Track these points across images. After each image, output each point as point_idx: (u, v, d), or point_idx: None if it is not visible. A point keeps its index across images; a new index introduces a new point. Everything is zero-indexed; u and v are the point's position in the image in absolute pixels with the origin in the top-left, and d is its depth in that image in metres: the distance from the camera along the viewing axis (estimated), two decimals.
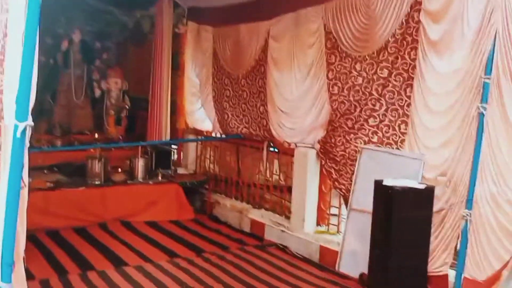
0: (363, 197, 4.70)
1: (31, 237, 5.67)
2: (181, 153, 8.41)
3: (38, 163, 7.48)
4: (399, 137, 4.67)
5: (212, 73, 7.40)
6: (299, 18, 5.72)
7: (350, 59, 5.08)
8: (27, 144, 2.76)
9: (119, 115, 8.36)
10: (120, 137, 7.91)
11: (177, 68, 8.20)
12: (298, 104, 5.75)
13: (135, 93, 9.68)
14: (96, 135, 8.02)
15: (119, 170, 6.98)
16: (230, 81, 7.04)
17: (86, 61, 8.55)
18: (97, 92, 8.44)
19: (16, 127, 2.61)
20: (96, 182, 6.58)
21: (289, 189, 6.08)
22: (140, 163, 7.02)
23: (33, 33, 2.61)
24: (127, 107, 8.38)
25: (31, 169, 7.18)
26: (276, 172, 6.50)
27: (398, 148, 4.68)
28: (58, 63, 8.39)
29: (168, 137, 8.00)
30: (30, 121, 2.65)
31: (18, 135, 2.61)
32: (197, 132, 8.10)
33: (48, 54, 8.58)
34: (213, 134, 7.73)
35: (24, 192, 2.80)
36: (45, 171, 7.37)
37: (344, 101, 5.16)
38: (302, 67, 5.66)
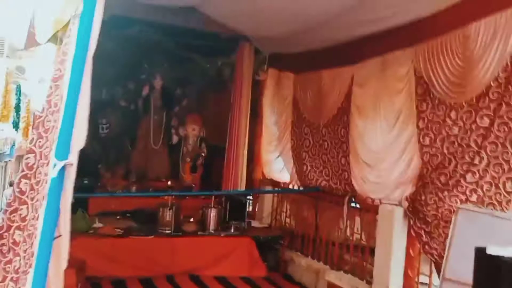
0: (460, 266, 4.10)
1: (96, 286, 5.65)
2: (257, 205, 8.17)
3: (112, 208, 7.62)
4: (504, 196, 4.09)
5: (291, 122, 7.22)
6: (386, 62, 5.40)
7: (444, 107, 4.62)
8: (69, 186, 2.60)
9: (195, 162, 8.34)
10: (193, 186, 7.84)
11: (255, 115, 8.12)
12: (383, 156, 5.34)
13: (212, 141, 9.70)
14: (170, 183, 8.02)
15: (191, 220, 6.86)
16: (310, 130, 6.79)
17: (166, 107, 8.74)
18: (175, 139, 8.54)
19: (53, 166, 2.44)
20: (166, 231, 6.48)
21: (372, 251, 5.57)
22: (212, 214, 6.86)
23: (81, 65, 2.56)
24: (203, 155, 8.35)
25: (104, 215, 7.40)
26: (358, 230, 6.03)
27: (503, 210, 4.09)
28: (139, 109, 8.62)
29: (243, 188, 7.82)
30: (71, 160, 2.52)
31: (55, 174, 2.43)
32: (274, 183, 7.85)
33: (129, 99, 8.91)
34: (291, 186, 7.44)
35: (61, 242, 2.55)
36: (118, 217, 7.44)
37: (437, 153, 4.68)
38: (389, 115, 5.28)
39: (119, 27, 8.70)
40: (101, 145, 8.71)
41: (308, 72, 6.83)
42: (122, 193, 7.54)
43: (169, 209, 6.42)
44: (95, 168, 8.77)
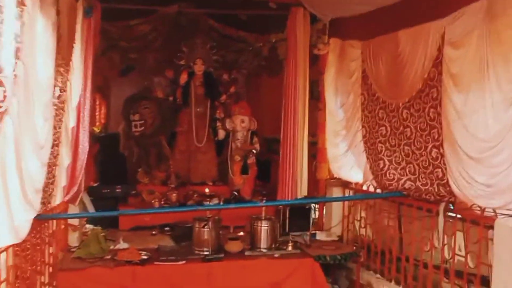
0: None
1: None
2: (323, 211, 6.68)
3: (146, 222, 6.47)
4: None
5: (361, 104, 5.68)
6: (493, 7, 3.73)
7: None
8: None
9: (246, 161, 6.98)
10: (235, 193, 6.42)
11: (316, 98, 6.64)
12: (497, 146, 3.70)
13: (268, 134, 8.33)
14: (207, 190, 6.73)
15: (236, 235, 5.52)
16: (386, 113, 5.23)
17: (210, 96, 7.45)
18: (221, 134, 7.24)
19: None
20: (204, 252, 5.18)
21: (484, 281, 3.97)
22: (264, 227, 5.50)
23: None
24: (255, 151, 6.96)
25: (138, 229, 6.26)
26: (460, 250, 4.39)
27: None
28: (177, 100, 7.42)
29: (304, 191, 6.37)
30: None
31: None
32: (344, 183, 6.34)
33: (167, 89, 7.75)
34: (365, 187, 5.89)
35: None
36: (154, 232, 6.28)
37: None
38: (504, 83, 3.62)
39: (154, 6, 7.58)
40: (136, 145, 7.61)
41: (380, 36, 5.25)
42: (140, 210, 6.35)
43: (204, 226, 5.10)
44: (133, 172, 7.72)
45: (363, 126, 5.66)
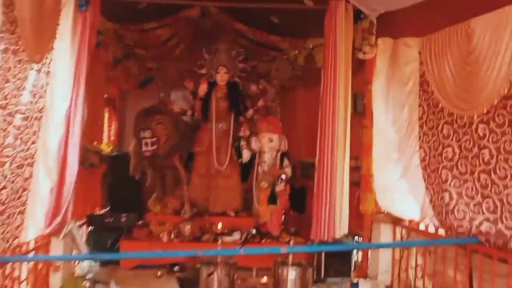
0: None
1: None
2: (369, 255, 5.45)
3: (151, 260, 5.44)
4: None
5: (419, 118, 4.49)
6: None
7: None
8: None
9: (274, 189, 5.83)
10: (253, 232, 5.13)
11: (360, 113, 5.50)
12: None
13: (305, 156, 7.20)
14: (220, 226, 5.59)
15: (255, 284, 4.38)
16: (453, 130, 4.04)
17: (234, 110, 6.39)
18: (246, 155, 6.12)
19: None
20: None
21: None
22: (291, 275, 4.34)
23: None
24: (285, 178, 5.80)
25: (142, 268, 5.21)
26: None
27: None
28: (195, 115, 6.40)
29: (345, 227, 5.16)
30: None
31: None
32: (395, 220, 5.11)
33: (185, 103, 6.78)
34: (422, 226, 4.65)
35: None
36: (159, 273, 5.23)
37: None
38: None
39: (175, 10, 6.68)
40: (150, 167, 6.62)
41: (445, 28, 4.08)
42: (127, 253, 5.29)
43: (211, 274, 3.98)
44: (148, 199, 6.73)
45: (421, 147, 4.47)
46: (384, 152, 5.05)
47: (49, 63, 4.19)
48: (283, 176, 5.76)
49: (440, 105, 4.16)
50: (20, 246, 3.95)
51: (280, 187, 5.82)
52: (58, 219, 4.54)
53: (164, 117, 6.32)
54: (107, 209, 7.12)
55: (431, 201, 4.34)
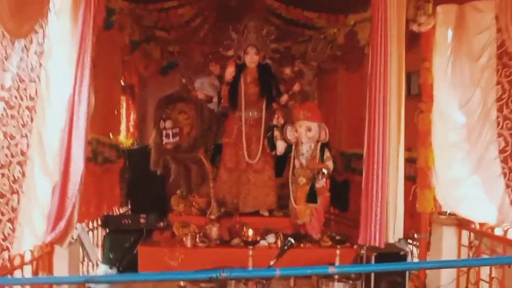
0: None
1: None
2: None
3: (173, 267, 4.74)
4: None
5: (498, 99, 3.63)
6: None
7: None
8: None
9: (314, 185, 5.03)
10: (291, 241, 4.25)
11: (415, 95, 4.66)
12: None
13: (347, 147, 6.39)
14: (250, 235, 4.76)
15: None
16: None
17: (266, 96, 5.60)
18: (280, 146, 5.31)
19: None
20: None
21: None
22: None
23: None
24: (326, 172, 4.98)
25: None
26: None
27: None
28: (222, 102, 5.64)
29: (400, 231, 4.35)
30: None
31: None
32: (461, 222, 4.27)
33: (211, 89, 6.04)
34: (500, 231, 3.80)
35: None
36: (181, 283, 4.51)
37: None
38: None
39: None
40: (173, 161, 5.92)
41: None
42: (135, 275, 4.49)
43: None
44: (166, 197, 6.08)
45: (500, 135, 3.61)
46: (449, 142, 4.19)
47: (42, 41, 3.50)
48: (325, 171, 4.92)
49: None
50: (12, 260, 3.28)
51: (321, 183, 4.99)
52: (62, 224, 3.88)
53: (187, 105, 5.56)
54: (127, 208, 6.53)
55: None
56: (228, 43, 5.71)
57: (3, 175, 3.06)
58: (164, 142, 5.48)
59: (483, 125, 3.81)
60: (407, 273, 4.58)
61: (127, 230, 5.29)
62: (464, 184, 4.05)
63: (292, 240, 3.36)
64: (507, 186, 3.55)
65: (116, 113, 5.94)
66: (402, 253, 4.62)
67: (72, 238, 4.19)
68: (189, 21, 6.54)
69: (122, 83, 6.45)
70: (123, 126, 6.46)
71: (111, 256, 5.26)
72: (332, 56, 6.27)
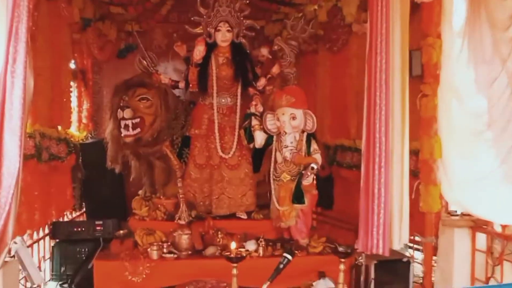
0: None
1: None
2: (434, 265, 4.01)
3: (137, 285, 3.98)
4: None
5: None
6: None
7: None
8: None
9: (300, 182, 4.32)
10: (288, 257, 3.46)
11: (417, 76, 4.01)
12: None
13: (331, 139, 5.73)
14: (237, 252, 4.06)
15: None
16: None
17: (241, 79, 4.86)
18: (259, 138, 4.58)
19: None
20: None
21: None
22: None
23: None
24: (315, 167, 4.28)
25: None
26: None
27: None
28: (189, 87, 4.86)
29: (405, 236, 3.72)
30: None
31: None
32: (477, 224, 3.68)
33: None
34: None
35: None
36: None
37: None
38: None
39: None
40: (134, 156, 5.11)
41: None
42: None
43: None
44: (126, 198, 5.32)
45: None
46: (464, 130, 3.56)
47: None
48: (314, 165, 4.21)
49: None
50: None
51: (309, 180, 4.29)
52: None
53: (149, 91, 4.74)
54: (81, 212, 5.69)
55: None
56: (196, 19, 4.92)
57: None
58: (122, 135, 4.67)
59: (505, 107, 3.18)
60: (411, 280, 3.99)
61: (80, 240, 4.47)
62: (484, 180, 3.42)
63: (289, 257, 2.67)
64: None
65: (65, 101, 5.06)
66: (405, 259, 4.02)
67: (9, 255, 3.39)
68: None
69: (73, 67, 5.57)
70: (74, 117, 5.58)
71: (61, 271, 4.45)
72: (313, 35, 5.55)
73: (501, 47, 3.18)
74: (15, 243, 3.48)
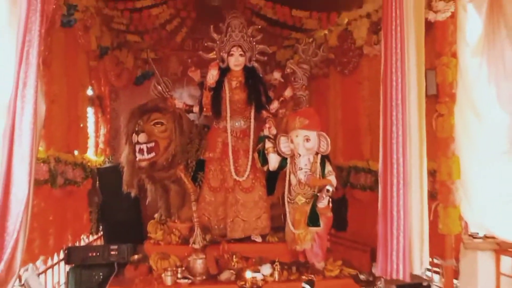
0: None
1: None
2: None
3: None
4: None
5: None
6: None
7: None
8: None
9: (315, 205, 4.00)
10: (312, 278, 3.11)
11: (433, 96, 3.70)
12: None
13: (344, 160, 5.41)
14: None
15: None
16: None
17: (254, 103, 4.58)
18: (273, 160, 4.27)
19: None
20: None
21: None
22: None
23: None
24: (330, 190, 3.95)
25: None
26: None
27: None
28: (203, 111, 4.59)
29: (426, 259, 3.35)
30: None
31: None
32: (501, 246, 3.30)
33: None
34: None
35: None
36: None
37: None
38: None
39: None
40: (149, 180, 4.81)
41: None
42: None
43: None
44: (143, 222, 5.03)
45: None
46: (486, 148, 3.22)
47: None
48: (329, 188, 3.89)
49: None
50: None
51: (324, 202, 3.96)
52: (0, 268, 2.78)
53: (163, 115, 4.48)
54: (98, 235, 5.39)
55: None
56: (210, 45, 4.67)
57: None
58: (137, 159, 4.39)
59: None
60: None
61: (95, 265, 4.15)
62: (504, 199, 3.06)
63: (313, 277, 2.33)
64: None
65: (82, 126, 4.81)
66: (425, 283, 3.64)
67: (19, 283, 3.10)
68: (165, 24, 5.52)
69: (90, 93, 5.34)
70: (91, 142, 5.32)
71: None
72: (324, 59, 5.28)
73: None
74: (26, 270, 3.20)
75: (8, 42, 2.89)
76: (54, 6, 3.25)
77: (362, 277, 2.96)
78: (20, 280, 3.10)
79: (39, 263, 3.81)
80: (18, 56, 2.90)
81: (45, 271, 4.00)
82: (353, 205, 5.22)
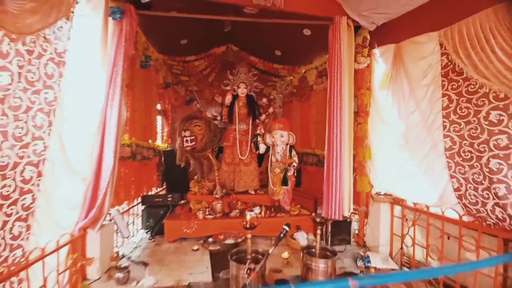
0: None
1: None
2: (365, 227, 3.18)
3: (188, 234, 3.13)
4: None
5: (444, 107, 2.20)
6: None
7: None
8: None
9: (286, 173, 3.55)
10: (285, 229, 2.75)
11: (355, 112, 3.19)
12: None
13: (298, 148, 4.88)
14: (251, 209, 3.27)
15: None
16: (508, 116, 1.72)
17: (252, 115, 4.08)
18: (262, 148, 3.80)
19: None
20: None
21: None
22: (321, 267, 2.04)
23: None
24: (295, 165, 3.51)
25: (181, 240, 2.72)
26: None
27: None
28: (223, 119, 4.08)
29: (351, 207, 2.90)
30: None
31: None
32: (395, 200, 2.85)
33: (217, 111, 4.47)
34: (435, 210, 2.38)
35: None
36: (195, 247, 2.93)
37: None
38: None
39: (207, 47, 4.42)
40: (192, 157, 4.30)
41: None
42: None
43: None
44: (187, 181, 4.45)
45: (447, 136, 2.19)
46: (388, 142, 2.76)
47: (63, 52, 1.90)
48: (295, 164, 3.45)
49: (482, 91, 1.89)
50: (27, 257, 1.65)
51: (291, 172, 3.51)
52: (93, 212, 2.28)
53: (200, 121, 3.98)
54: (162, 189, 4.86)
55: (457, 190, 2.09)
56: (227, 82, 4.16)
57: (3, 176, 1.43)
58: (185, 146, 3.87)
59: (428, 129, 2.39)
60: (351, 232, 3.16)
61: (158, 205, 3.65)
62: (401, 173, 2.62)
63: (287, 228, 1.92)
64: (451, 176, 2.16)
65: (154, 127, 4.29)
66: (348, 220, 3.19)
67: (109, 218, 2.60)
68: (202, 70, 4.96)
69: (159, 108, 4.79)
70: (159, 135, 4.78)
71: (147, 224, 3.62)
72: (290, 92, 4.80)
73: (416, 92, 2.41)
74: (114, 211, 2.71)
75: (101, 72, 2.38)
76: (133, 52, 2.75)
77: (318, 220, 2.53)
78: (109, 217, 2.61)
79: (123, 206, 3.30)
80: (108, 80, 2.39)
81: (128, 210, 3.50)
82: (305, 174, 4.75)
